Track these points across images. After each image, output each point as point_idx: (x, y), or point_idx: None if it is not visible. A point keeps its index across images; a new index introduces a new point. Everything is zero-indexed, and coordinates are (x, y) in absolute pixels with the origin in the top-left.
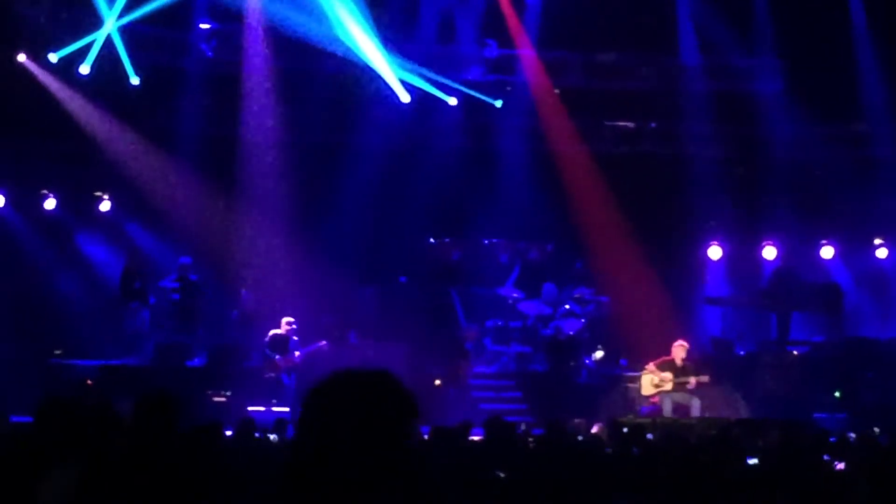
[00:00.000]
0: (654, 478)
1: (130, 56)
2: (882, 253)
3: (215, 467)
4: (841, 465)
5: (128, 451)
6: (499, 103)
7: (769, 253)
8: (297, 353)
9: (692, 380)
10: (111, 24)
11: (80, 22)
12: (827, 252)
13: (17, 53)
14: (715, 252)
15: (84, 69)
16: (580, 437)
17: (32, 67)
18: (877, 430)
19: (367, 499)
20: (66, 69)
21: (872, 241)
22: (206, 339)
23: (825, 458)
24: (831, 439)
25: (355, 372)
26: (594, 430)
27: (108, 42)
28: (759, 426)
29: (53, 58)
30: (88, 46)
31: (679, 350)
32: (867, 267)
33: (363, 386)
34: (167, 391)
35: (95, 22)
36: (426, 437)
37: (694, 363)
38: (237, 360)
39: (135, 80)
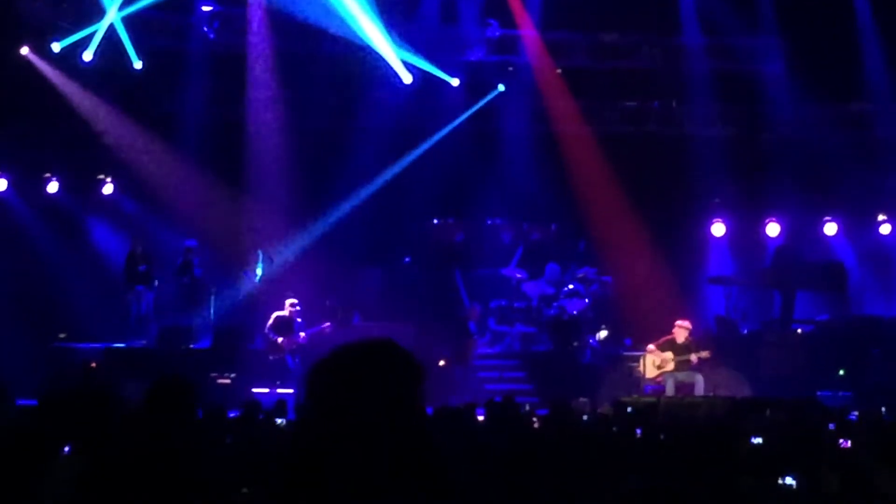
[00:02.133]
0: (659, 457)
1: (133, 40)
2: (885, 229)
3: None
4: (846, 444)
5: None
6: (501, 87)
7: (772, 230)
8: (301, 335)
9: (693, 356)
10: (114, 13)
11: (82, 11)
12: (830, 229)
13: (21, 47)
14: (718, 229)
15: (87, 56)
16: (585, 417)
17: (36, 60)
18: (883, 409)
19: (382, 470)
20: (68, 56)
21: (876, 217)
22: (211, 322)
23: (830, 435)
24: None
25: (357, 344)
26: (601, 410)
27: (111, 28)
28: (763, 405)
29: (56, 47)
30: (91, 35)
31: (681, 330)
32: (871, 243)
33: (367, 356)
34: (183, 377)
35: (98, 11)
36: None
37: (695, 340)
38: (241, 342)
39: (138, 65)
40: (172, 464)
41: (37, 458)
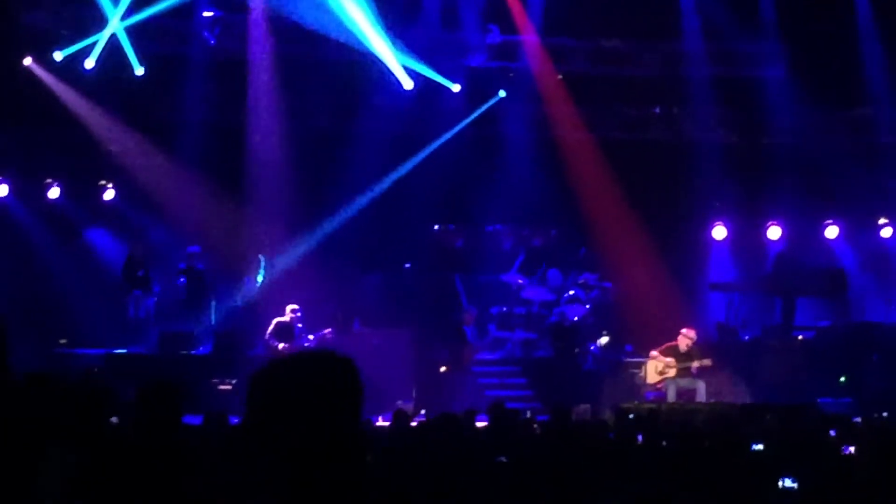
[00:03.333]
0: (660, 464)
1: (134, 46)
2: (887, 232)
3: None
4: (850, 450)
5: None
6: (502, 93)
7: (773, 233)
8: (310, 337)
9: (694, 364)
10: (116, 23)
11: (84, 20)
12: (831, 232)
13: (24, 56)
14: (719, 232)
15: (89, 63)
16: (586, 423)
17: (38, 70)
18: (885, 414)
19: (318, 477)
20: (70, 64)
21: (877, 220)
22: (212, 328)
23: (831, 441)
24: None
25: (295, 355)
26: (603, 416)
27: (113, 36)
28: (764, 411)
29: (58, 56)
30: (93, 43)
31: (684, 338)
32: (872, 247)
33: (303, 367)
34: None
35: (100, 20)
36: (431, 422)
37: (698, 348)
38: (242, 348)
39: (139, 71)
40: (161, 464)
41: (32, 453)
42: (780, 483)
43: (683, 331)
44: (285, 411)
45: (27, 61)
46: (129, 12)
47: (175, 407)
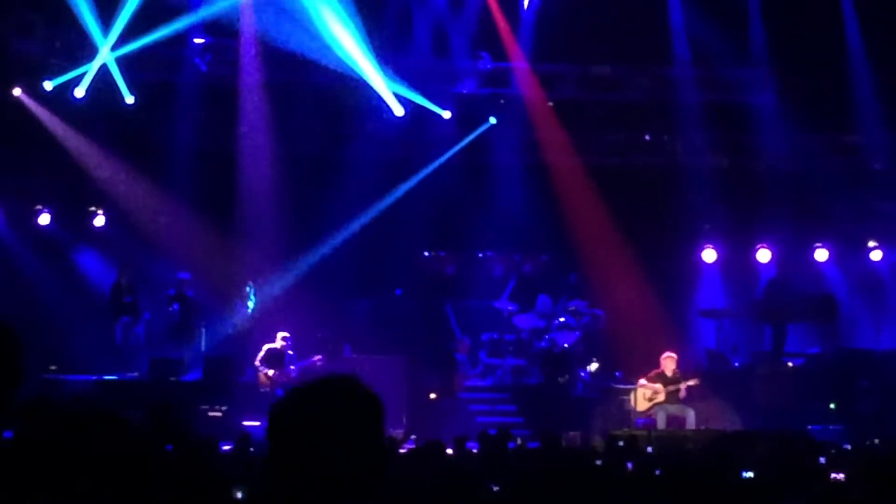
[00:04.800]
0: (649, 491)
1: (125, 74)
2: (876, 255)
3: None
4: (839, 476)
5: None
6: (492, 120)
7: (763, 256)
8: (292, 368)
9: (682, 386)
10: (106, 53)
11: (74, 50)
12: (821, 255)
13: (13, 87)
14: (709, 255)
15: (79, 92)
16: (576, 450)
17: (28, 102)
18: (876, 441)
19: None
20: (60, 93)
21: (867, 243)
22: (202, 354)
23: (821, 468)
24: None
25: (317, 381)
26: (593, 443)
27: (103, 66)
28: (754, 438)
29: (49, 85)
30: (83, 73)
31: (668, 361)
32: (862, 270)
33: (326, 393)
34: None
35: (90, 49)
36: (421, 449)
37: (683, 371)
38: (232, 374)
39: (129, 100)
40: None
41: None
42: None
43: (664, 355)
44: (311, 440)
45: (16, 91)
46: (120, 42)
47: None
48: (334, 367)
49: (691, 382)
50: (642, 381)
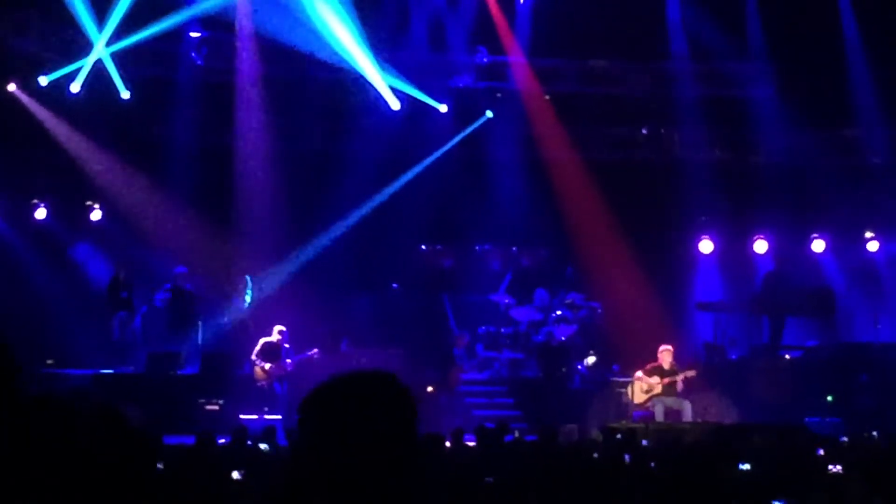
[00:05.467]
0: (647, 484)
1: (120, 70)
2: (873, 246)
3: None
4: (836, 468)
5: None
6: (489, 114)
7: (760, 247)
8: (288, 361)
9: (679, 378)
10: (101, 48)
11: (69, 45)
12: (818, 246)
13: (7, 83)
14: (706, 246)
15: (75, 87)
16: (573, 443)
17: (23, 97)
18: (875, 433)
19: (376, 500)
20: (56, 89)
21: (863, 234)
22: (199, 348)
23: (819, 460)
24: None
25: (352, 375)
26: (590, 436)
27: (99, 61)
28: (751, 431)
29: (44, 81)
30: (78, 68)
31: (665, 354)
32: (859, 261)
33: (362, 388)
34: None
35: (85, 45)
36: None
37: (681, 364)
38: (229, 368)
39: (125, 95)
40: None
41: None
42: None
43: (662, 348)
44: (344, 434)
45: (11, 87)
46: (115, 37)
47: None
48: (331, 361)
49: (689, 373)
50: (639, 373)
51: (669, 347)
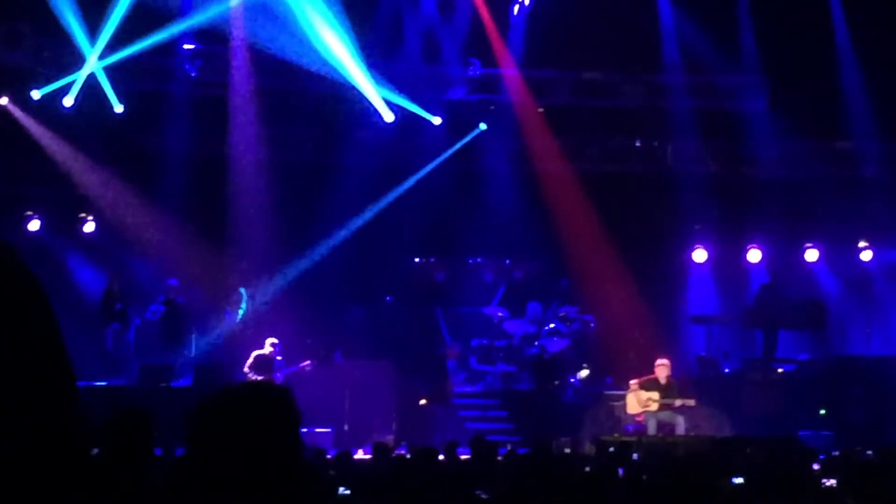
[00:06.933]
0: (640, 497)
1: (113, 83)
2: (867, 255)
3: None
4: (830, 482)
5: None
6: (483, 126)
7: (754, 256)
8: (284, 370)
9: (677, 402)
10: (94, 62)
11: (62, 59)
12: (811, 255)
13: (0, 96)
14: (700, 255)
15: (68, 101)
16: (566, 456)
17: (15, 111)
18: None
19: None
20: (48, 102)
21: (857, 243)
22: (192, 360)
23: (813, 474)
24: (820, 456)
25: (234, 386)
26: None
27: (91, 75)
28: (744, 444)
29: (36, 94)
30: (71, 82)
31: (662, 369)
32: (852, 271)
33: (242, 399)
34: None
35: (78, 59)
36: (410, 455)
37: (679, 382)
38: (223, 380)
39: (118, 108)
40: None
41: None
42: None
43: (658, 362)
44: (226, 443)
45: (3, 101)
46: (108, 51)
47: (146, 436)
48: (324, 373)
49: (689, 403)
50: (633, 383)
51: (666, 361)
